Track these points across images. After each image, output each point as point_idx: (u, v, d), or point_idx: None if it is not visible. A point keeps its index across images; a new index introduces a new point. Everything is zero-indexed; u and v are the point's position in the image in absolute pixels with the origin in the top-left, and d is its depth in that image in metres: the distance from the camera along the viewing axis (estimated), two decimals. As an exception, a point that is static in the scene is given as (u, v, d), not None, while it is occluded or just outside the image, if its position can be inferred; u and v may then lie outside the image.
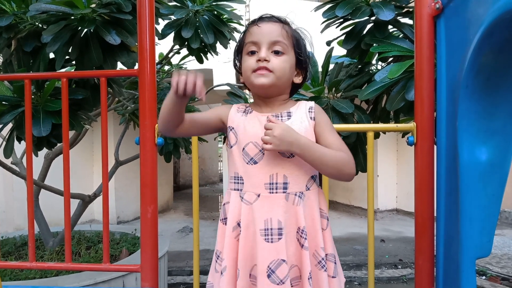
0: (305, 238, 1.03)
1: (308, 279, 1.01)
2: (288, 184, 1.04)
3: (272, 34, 1.05)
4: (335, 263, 1.09)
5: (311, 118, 1.09)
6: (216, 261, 1.11)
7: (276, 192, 1.03)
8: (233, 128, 1.11)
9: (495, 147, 0.95)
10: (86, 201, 2.87)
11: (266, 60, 1.03)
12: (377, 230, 5.39)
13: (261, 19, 1.09)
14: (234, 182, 1.09)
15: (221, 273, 1.06)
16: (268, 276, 0.99)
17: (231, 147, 1.10)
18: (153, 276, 1.45)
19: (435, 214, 1.30)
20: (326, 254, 1.07)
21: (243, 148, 1.07)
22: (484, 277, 3.72)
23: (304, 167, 1.06)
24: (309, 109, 1.10)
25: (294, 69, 1.12)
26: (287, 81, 1.10)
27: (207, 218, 6.47)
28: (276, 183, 1.03)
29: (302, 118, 1.08)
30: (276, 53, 1.05)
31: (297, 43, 1.10)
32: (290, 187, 1.04)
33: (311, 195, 1.07)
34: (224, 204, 1.12)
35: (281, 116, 1.08)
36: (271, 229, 1.01)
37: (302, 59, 1.12)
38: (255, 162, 1.05)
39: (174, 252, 4.42)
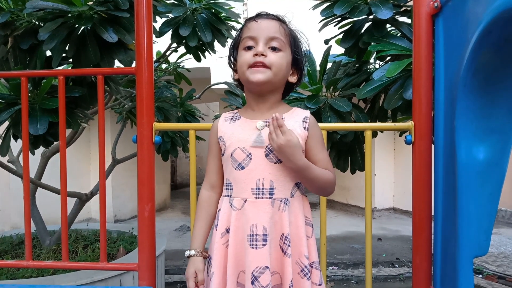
0: (289, 245, 1.02)
1: (290, 287, 1.00)
2: (274, 190, 1.03)
3: (270, 30, 1.04)
4: (319, 270, 1.09)
5: (304, 128, 1.08)
6: (208, 265, 1.11)
7: (262, 198, 1.03)
8: (221, 137, 1.12)
9: (492, 146, 0.95)
10: (83, 199, 2.86)
11: (263, 55, 1.02)
12: (374, 228, 5.40)
13: (259, 15, 1.08)
14: (226, 189, 1.10)
15: (210, 278, 1.07)
16: (252, 283, 0.98)
17: (223, 155, 1.11)
18: (150, 275, 1.44)
19: (432, 213, 1.30)
20: (313, 262, 1.07)
21: (231, 154, 1.07)
22: (480, 276, 3.74)
23: (290, 174, 1.06)
24: (304, 118, 1.09)
25: (290, 67, 1.11)
26: (282, 78, 1.09)
27: (204, 217, 6.46)
28: (263, 189, 1.03)
29: (294, 126, 1.07)
30: (273, 49, 1.04)
31: (294, 42, 1.10)
32: (276, 193, 1.03)
33: (295, 202, 1.07)
34: (218, 211, 1.12)
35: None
36: (256, 235, 1.01)
37: (298, 58, 1.11)
38: (242, 168, 1.05)
39: (172, 250, 4.42)
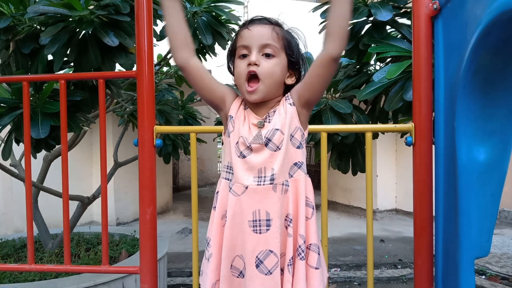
0: (290, 225, 1.04)
1: (288, 265, 1.02)
2: (275, 175, 1.05)
3: (262, 37, 1.06)
4: (319, 254, 1.09)
5: (290, 104, 1.09)
6: (207, 248, 1.13)
7: (264, 184, 1.05)
8: (232, 117, 1.12)
9: (493, 147, 0.95)
10: (85, 202, 2.87)
11: (256, 64, 1.04)
12: (376, 230, 5.38)
13: (252, 21, 1.10)
14: (226, 172, 1.12)
15: (208, 260, 1.09)
16: (257, 266, 1.01)
17: (229, 135, 1.12)
18: (153, 277, 1.45)
19: (434, 214, 1.30)
20: (310, 244, 1.07)
21: (237, 142, 1.09)
22: (483, 277, 3.72)
23: (288, 155, 1.07)
24: (286, 97, 1.11)
25: (286, 71, 1.12)
26: (278, 84, 1.10)
27: (206, 219, 6.43)
28: (264, 176, 1.05)
29: (284, 110, 1.09)
30: (267, 56, 1.06)
31: (289, 45, 1.10)
32: (276, 178, 1.05)
33: (294, 182, 1.08)
34: (216, 192, 1.14)
35: (269, 116, 1.09)
36: (259, 220, 1.03)
37: (294, 60, 1.12)
38: (244, 156, 1.07)
39: (174, 253, 4.42)
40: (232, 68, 1.16)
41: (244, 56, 1.07)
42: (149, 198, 1.44)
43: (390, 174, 6.73)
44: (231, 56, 1.15)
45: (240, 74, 1.07)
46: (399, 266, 4.16)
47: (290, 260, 1.02)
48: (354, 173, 2.19)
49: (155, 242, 1.47)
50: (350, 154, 2.16)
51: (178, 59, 1.12)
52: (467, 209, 0.98)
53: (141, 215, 1.44)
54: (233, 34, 2.62)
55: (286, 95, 1.11)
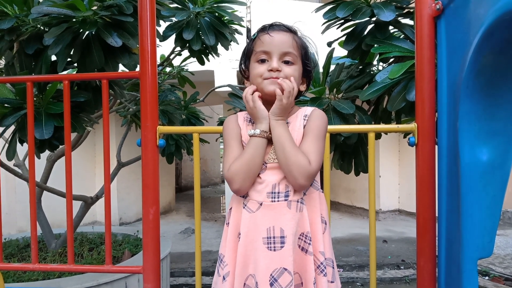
0: (309, 243, 1.03)
1: (314, 284, 1.01)
2: (290, 191, 1.04)
3: (284, 45, 1.07)
4: (333, 267, 1.09)
5: (304, 126, 1.09)
6: (220, 265, 1.12)
7: (278, 201, 1.04)
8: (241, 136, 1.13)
9: (496, 147, 0.95)
10: (88, 202, 2.88)
11: (278, 70, 1.06)
12: (379, 230, 5.38)
13: (272, 27, 1.10)
14: None
15: (224, 278, 1.07)
16: (271, 284, 1.00)
17: None
18: (155, 277, 1.45)
19: (436, 215, 1.30)
20: (325, 259, 1.07)
21: None
22: (487, 278, 3.71)
23: None
24: (304, 116, 1.10)
25: (301, 78, 1.14)
26: (295, 90, 1.10)
27: (209, 219, 6.47)
28: (278, 192, 1.04)
29: (297, 126, 1.09)
30: (286, 62, 1.07)
31: (305, 54, 1.13)
32: (291, 195, 1.04)
33: (308, 199, 1.08)
34: (230, 209, 1.13)
35: None
36: (274, 237, 1.02)
37: (309, 69, 1.14)
38: (258, 174, 1.06)
39: (177, 253, 4.43)
40: (243, 69, 1.16)
41: (263, 61, 1.08)
42: (152, 198, 1.44)
43: (393, 174, 6.71)
44: (247, 58, 1.15)
45: (259, 74, 1.07)
46: (402, 267, 4.15)
47: (314, 279, 1.02)
48: (357, 174, 2.19)
49: (158, 242, 1.47)
50: (352, 155, 2.15)
51: (245, 189, 1.06)
52: (470, 209, 0.98)
53: (144, 215, 1.45)
54: (236, 35, 2.63)
55: (305, 114, 1.10)
